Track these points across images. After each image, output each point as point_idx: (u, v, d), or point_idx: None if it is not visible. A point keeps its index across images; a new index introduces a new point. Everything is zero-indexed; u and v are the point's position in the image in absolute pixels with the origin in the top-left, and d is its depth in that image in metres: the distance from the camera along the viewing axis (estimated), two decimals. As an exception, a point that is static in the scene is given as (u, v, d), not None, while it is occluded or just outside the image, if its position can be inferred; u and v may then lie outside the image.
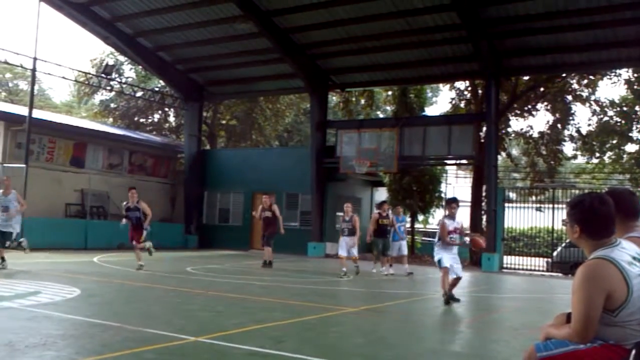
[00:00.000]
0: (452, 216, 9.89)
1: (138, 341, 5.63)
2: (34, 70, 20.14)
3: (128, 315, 7.40)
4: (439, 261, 9.75)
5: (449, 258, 9.67)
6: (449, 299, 9.65)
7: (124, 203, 13.83)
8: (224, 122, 35.40)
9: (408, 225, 16.36)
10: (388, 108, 30.60)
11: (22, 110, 21.40)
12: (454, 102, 26.72)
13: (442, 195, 25.77)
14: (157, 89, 30.94)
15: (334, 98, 31.78)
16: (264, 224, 15.37)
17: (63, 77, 24.33)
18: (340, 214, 26.56)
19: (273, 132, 36.21)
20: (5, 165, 20.11)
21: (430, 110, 36.13)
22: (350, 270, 14.07)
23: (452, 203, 10.14)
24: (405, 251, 15.84)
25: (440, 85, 33.91)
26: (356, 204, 27.36)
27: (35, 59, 19.73)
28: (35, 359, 4.78)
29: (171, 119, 36.55)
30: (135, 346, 5.40)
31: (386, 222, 15.21)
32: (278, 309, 8.55)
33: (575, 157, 29.26)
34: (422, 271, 16.55)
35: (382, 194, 26.19)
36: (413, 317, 8.93)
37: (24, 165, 18.88)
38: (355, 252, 14.34)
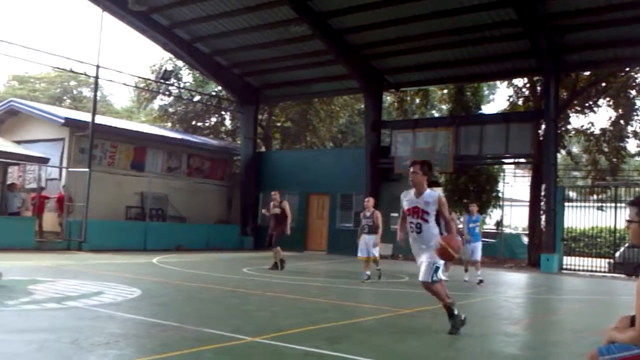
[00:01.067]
0: (415, 190, 6.65)
1: (197, 341, 5.74)
2: (96, 77, 20.80)
3: (187, 315, 7.55)
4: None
5: (418, 256, 6.65)
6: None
7: None
8: (278, 124, 35.73)
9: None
10: (443, 107, 30.26)
11: (86, 117, 22.13)
12: (511, 99, 26.20)
13: (500, 195, 25.31)
14: (214, 93, 31.53)
15: (388, 98, 31.64)
16: (274, 221, 14.80)
17: (124, 84, 25.18)
18: (395, 214, 26.52)
19: (327, 133, 36.31)
20: (70, 169, 20.87)
21: (487, 109, 35.50)
22: (373, 273, 13.03)
23: (410, 166, 6.74)
24: (477, 256, 14.15)
25: (498, 82, 33.29)
26: (411, 204, 27.14)
27: (98, 66, 20.38)
28: (100, 357, 4.94)
29: (227, 122, 37.13)
30: (194, 346, 5.51)
31: None
32: (332, 310, 8.57)
33: (639, 154, 28.22)
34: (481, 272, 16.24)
35: (437, 194, 25.88)
36: (469, 318, 8.76)
37: (87, 170, 19.53)
38: (376, 252, 12.99)
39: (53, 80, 45.57)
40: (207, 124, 36.74)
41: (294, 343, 5.79)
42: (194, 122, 35.27)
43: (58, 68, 33.16)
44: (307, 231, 24.92)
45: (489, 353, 6.15)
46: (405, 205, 6.65)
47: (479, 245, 14.20)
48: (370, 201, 13.29)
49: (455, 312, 6.56)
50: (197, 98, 30.62)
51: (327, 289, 11.58)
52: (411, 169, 6.60)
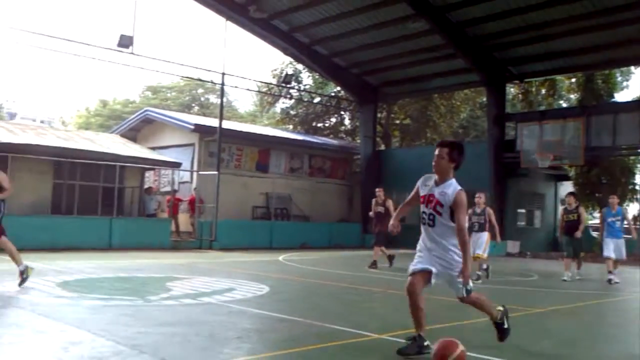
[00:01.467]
0: (438, 177, 5.35)
1: (323, 337, 5.87)
2: (222, 85, 21.78)
3: (312, 311, 7.74)
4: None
5: (423, 252, 5.37)
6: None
7: None
8: (397, 121, 35.58)
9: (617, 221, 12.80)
10: (572, 96, 28.78)
11: (213, 122, 23.27)
12: (648, 85, 24.45)
13: (637, 187, 23.71)
14: (333, 94, 31.96)
15: (511, 90, 30.58)
16: (376, 220, 14.25)
17: (247, 89, 26.21)
18: (522, 210, 25.60)
19: (448, 128, 35.66)
20: (200, 172, 22.01)
21: (621, 96, 33.32)
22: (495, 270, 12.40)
23: (437, 147, 5.40)
24: (623, 254, 12.77)
25: (632, 68, 31.14)
26: (539, 200, 26.10)
27: (223, 74, 21.32)
28: (234, 350, 5.20)
29: (347, 121, 37.51)
30: (321, 341, 5.64)
31: (572, 218, 12.96)
32: (458, 308, 8.39)
33: None
34: (619, 270, 15.31)
35: (567, 189, 24.73)
36: (607, 318, 8.32)
37: (216, 172, 20.51)
38: (480, 250, 12.05)
39: (182, 89, 48.29)
40: (327, 125, 37.33)
41: (420, 341, 5.77)
42: (314, 123, 35.96)
43: (187, 77, 35.11)
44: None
45: (629, 355, 5.81)
46: (422, 191, 5.51)
47: (622, 243, 12.82)
48: (481, 197, 12.48)
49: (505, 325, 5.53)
50: (317, 99, 31.23)
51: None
52: (436, 151, 5.28)
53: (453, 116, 34.88)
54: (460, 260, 5.11)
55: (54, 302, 7.52)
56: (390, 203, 14.38)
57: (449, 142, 5.41)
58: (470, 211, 12.41)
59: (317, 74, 30.74)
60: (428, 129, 34.75)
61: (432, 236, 5.27)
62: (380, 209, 14.29)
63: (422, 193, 5.47)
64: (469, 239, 5.28)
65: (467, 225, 5.26)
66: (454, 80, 25.57)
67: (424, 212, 5.38)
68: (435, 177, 5.35)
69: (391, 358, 5.33)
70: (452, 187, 5.21)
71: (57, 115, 64.71)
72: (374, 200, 14.61)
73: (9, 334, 5.52)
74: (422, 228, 5.42)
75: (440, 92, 30.70)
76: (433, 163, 5.31)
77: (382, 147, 31.49)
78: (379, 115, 30.35)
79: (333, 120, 37.46)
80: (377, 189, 14.84)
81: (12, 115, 62.87)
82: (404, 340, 5.46)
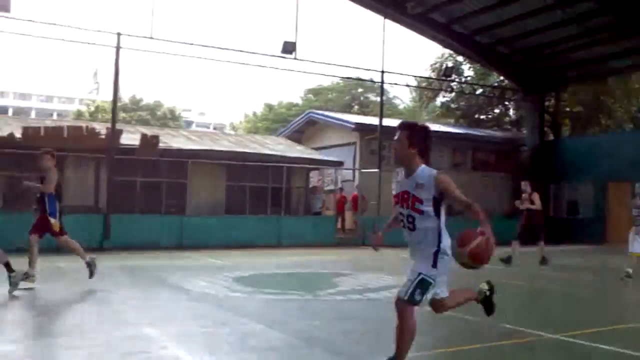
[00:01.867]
0: (404, 168, 4.49)
1: (496, 335, 5.73)
2: (382, 83, 21.91)
3: (480, 308, 7.54)
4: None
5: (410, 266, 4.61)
6: None
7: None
8: (567, 109, 33.48)
9: None
10: None
11: (373, 120, 23.50)
12: None
13: None
14: (496, 84, 30.87)
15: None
16: (527, 214, 13.41)
17: (407, 85, 26.10)
18: None
19: (625, 114, 32.93)
20: (362, 170, 22.34)
21: None
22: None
23: (398, 130, 4.48)
24: None
25: None
26: None
27: (382, 72, 21.44)
28: (401, 346, 5.22)
29: (511, 112, 36.05)
30: (491, 340, 5.52)
31: None
32: (636, 308, 7.79)
33: None
34: None
35: None
36: None
37: (377, 170, 20.69)
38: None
39: (343, 89, 49.30)
40: (489, 116, 36.13)
41: (600, 342, 5.42)
42: (476, 116, 34.97)
43: (347, 78, 35.80)
44: (607, 222, 22.87)
45: None
46: (394, 189, 4.57)
47: None
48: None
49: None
50: (479, 91, 30.35)
51: (632, 286, 10.48)
52: (395, 136, 4.42)
53: (631, 100, 32.11)
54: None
55: (232, 296, 8.05)
56: (536, 196, 13.56)
57: (408, 124, 4.53)
58: (632, 203, 10.91)
59: (479, 64, 29.84)
60: (602, 116, 32.32)
61: (414, 242, 4.56)
62: (528, 203, 13.60)
63: (394, 191, 4.56)
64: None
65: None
66: (631, 60, 23.52)
67: (401, 214, 4.49)
68: (407, 172, 4.44)
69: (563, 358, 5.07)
70: (426, 172, 4.36)
71: (227, 121, 69.23)
72: (522, 195, 13.80)
73: (197, 325, 6.03)
74: (404, 232, 4.60)
75: (616, 75, 28.35)
76: (392, 150, 4.42)
77: (551, 137, 29.83)
78: (546, 103, 28.77)
79: (497, 111, 36.17)
80: (522, 182, 14.09)
81: (189, 124, 68.30)
82: (580, 342, 5.16)
